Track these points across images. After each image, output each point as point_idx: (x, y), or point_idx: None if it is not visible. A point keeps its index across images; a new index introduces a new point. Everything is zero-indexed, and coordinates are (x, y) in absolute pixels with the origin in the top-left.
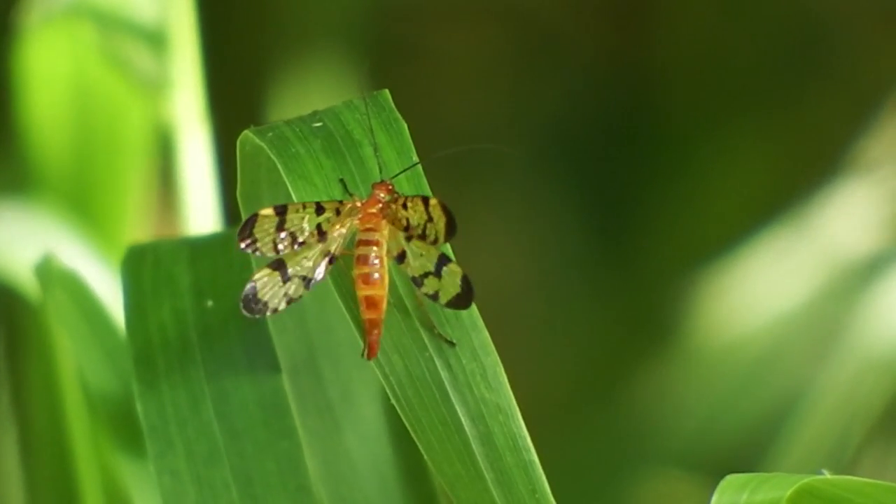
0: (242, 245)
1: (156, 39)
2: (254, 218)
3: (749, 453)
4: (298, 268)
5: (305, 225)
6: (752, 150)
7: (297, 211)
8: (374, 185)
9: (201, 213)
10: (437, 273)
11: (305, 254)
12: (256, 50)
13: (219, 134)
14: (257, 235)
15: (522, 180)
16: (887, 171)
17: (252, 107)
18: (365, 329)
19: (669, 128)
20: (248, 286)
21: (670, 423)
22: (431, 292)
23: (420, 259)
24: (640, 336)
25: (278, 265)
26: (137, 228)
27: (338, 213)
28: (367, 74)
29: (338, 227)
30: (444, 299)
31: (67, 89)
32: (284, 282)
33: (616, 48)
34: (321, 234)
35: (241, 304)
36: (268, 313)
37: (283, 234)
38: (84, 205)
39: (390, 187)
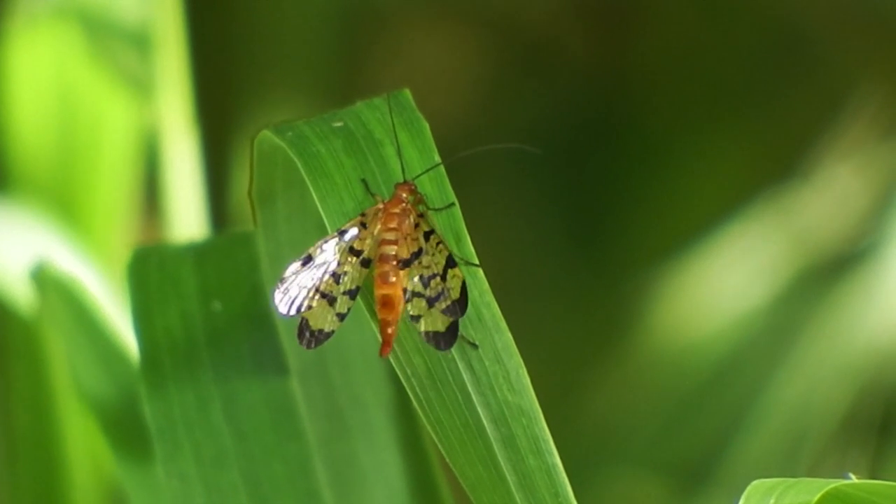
0: (288, 313)
1: (142, 41)
2: (283, 281)
3: (710, 454)
4: (341, 285)
5: (338, 256)
6: (728, 151)
7: (322, 251)
8: (396, 186)
9: (187, 216)
10: (443, 276)
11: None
12: (241, 52)
13: (205, 136)
14: (295, 294)
15: (501, 181)
16: (852, 169)
17: (237, 108)
18: (381, 327)
19: (647, 130)
20: (301, 321)
21: (633, 423)
22: (434, 294)
23: (431, 258)
24: (607, 335)
25: (323, 292)
26: (122, 231)
27: (364, 225)
28: (347, 77)
29: (368, 237)
30: (440, 307)
31: (52, 91)
32: (332, 304)
33: (596, 52)
34: (357, 253)
35: (299, 341)
36: (326, 340)
37: (323, 279)
38: (68, 207)
39: (413, 187)
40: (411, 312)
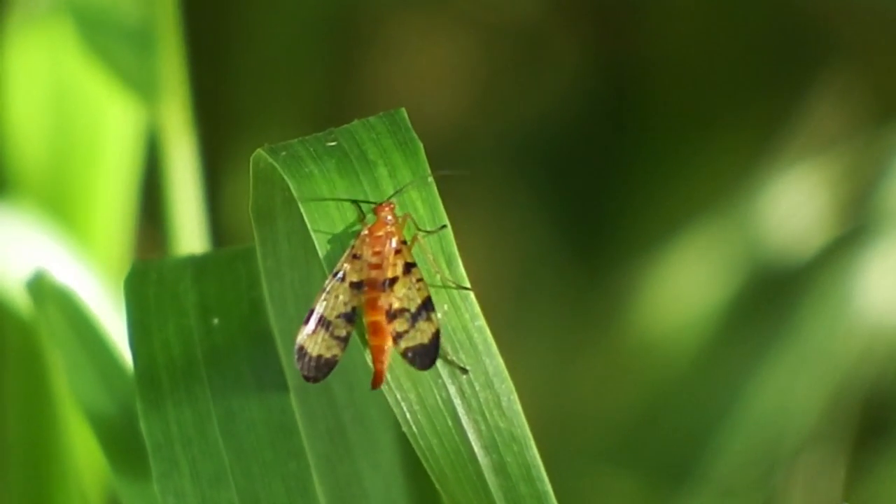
0: (315, 377)
1: (139, 42)
2: (301, 349)
3: (687, 450)
4: (337, 311)
5: (342, 297)
6: (713, 147)
7: (326, 298)
8: (375, 209)
9: (186, 220)
10: (414, 317)
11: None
12: (237, 53)
13: (203, 136)
14: (315, 351)
15: (496, 181)
16: (824, 162)
17: (235, 108)
18: (373, 355)
19: (638, 127)
20: (297, 348)
21: (606, 419)
22: (396, 331)
23: (407, 291)
24: (587, 331)
25: (318, 319)
26: (120, 234)
27: (356, 257)
28: (343, 77)
29: (363, 265)
30: (405, 345)
31: (48, 92)
32: (328, 329)
33: (595, 51)
34: (358, 285)
35: (302, 375)
36: (332, 369)
37: (333, 323)
38: (64, 211)
39: (393, 206)
40: (395, 328)
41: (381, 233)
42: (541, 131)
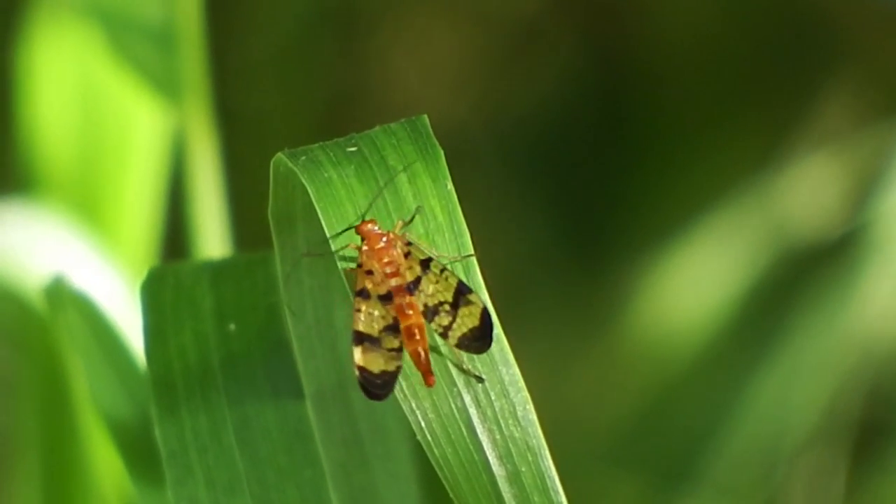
0: (379, 395)
1: (163, 43)
2: (362, 369)
3: (689, 450)
4: (379, 325)
5: (376, 311)
6: (712, 142)
7: (360, 318)
8: (357, 229)
9: (209, 223)
10: (454, 305)
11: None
12: (237, 56)
13: (227, 137)
14: (376, 368)
15: (494, 179)
16: (829, 156)
17: (239, 111)
18: (413, 360)
19: (635, 122)
20: (360, 375)
21: (606, 420)
22: (442, 326)
23: (435, 286)
24: (590, 329)
25: (369, 340)
26: (145, 235)
27: (369, 273)
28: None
29: (379, 280)
30: (455, 335)
31: (74, 92)
32: (378, 345)
33: (597, 48)
34: (386, 297)
35: (370, 394)
36: (394, 386)
37: (380, 338)
38: (90, 208)
39: (372, 220)
40: (436, 329)
41: (380, 244)
42: (539, 129)
